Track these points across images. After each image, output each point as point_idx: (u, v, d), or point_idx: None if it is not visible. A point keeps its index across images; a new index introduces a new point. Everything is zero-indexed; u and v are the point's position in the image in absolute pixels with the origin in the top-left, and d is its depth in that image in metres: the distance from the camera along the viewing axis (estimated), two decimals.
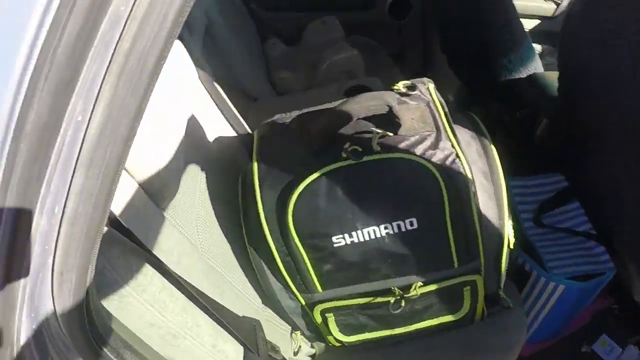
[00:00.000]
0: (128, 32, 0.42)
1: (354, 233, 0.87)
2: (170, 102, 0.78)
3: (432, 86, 0.98)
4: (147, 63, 0.44)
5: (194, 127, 0.99)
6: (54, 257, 0.49)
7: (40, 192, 0.45)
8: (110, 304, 0.65)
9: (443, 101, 0.95)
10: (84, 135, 0.45)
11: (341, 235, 0.87)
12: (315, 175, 0.84)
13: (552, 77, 1.51)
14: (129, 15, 0.42)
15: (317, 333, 1.07)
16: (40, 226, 0.47)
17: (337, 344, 1.06)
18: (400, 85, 0.98)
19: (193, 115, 1.00)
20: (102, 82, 0.43)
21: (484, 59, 1.64)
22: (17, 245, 0.46)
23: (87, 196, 0.48)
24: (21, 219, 0.45)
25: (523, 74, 1.66)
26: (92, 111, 0.44)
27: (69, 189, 0.47)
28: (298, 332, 1.06)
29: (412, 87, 0.97)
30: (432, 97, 0.95)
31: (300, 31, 2.05)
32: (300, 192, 0.84)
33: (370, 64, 1.91)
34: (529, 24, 2.31)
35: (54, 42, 0.39)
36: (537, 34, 2.28)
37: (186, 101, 0.89)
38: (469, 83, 1.80)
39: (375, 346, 1.07)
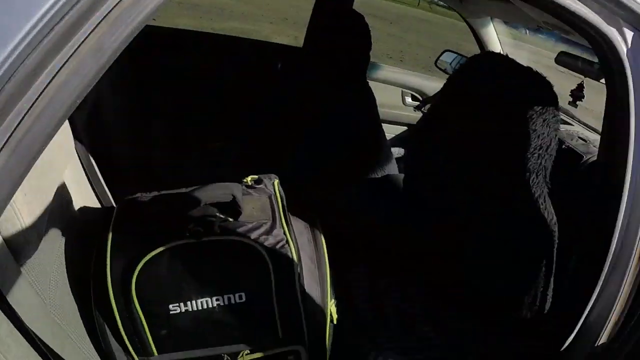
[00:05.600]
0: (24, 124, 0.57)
1: (188, 302, 1.00)
2: (44, 167, 0.88)
3: (277, 182, 1.17)
4: (35, 143, 0.59)
5: (62, 194, 1.09)
6: None
7: None
8: None
9: (284, 195, 1.13)
10: None
11: (177, 304, 1.00)
12: (160, 249, 0.98)
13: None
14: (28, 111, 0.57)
15: None
16: None
17: None
18: (249, 179, 1.16)
19: (64, 183, 1.10)
20: None
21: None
22: None
23: None
24: None
25: (379, 174, 1.90)
26: None
27: None
28: None
29: (258, 181, 1.15)
30: (275, 191, 1.14)
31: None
32: (145, 262, 0.97)
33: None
34: (397, 130, 2.64)
35: None
36: (404, 140, 2.60)
37: (59, 168, 1.00)
38: None
39: None
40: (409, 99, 2.63)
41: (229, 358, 1.08)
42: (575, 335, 1.10)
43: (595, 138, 1.91)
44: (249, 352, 1.08)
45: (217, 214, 1.02)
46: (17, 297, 0.83)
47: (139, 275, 0.97)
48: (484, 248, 1.24)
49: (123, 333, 1.02)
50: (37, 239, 0.90)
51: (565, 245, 1.22)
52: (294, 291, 1.05)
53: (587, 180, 1.58)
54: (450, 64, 2.52)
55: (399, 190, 1.68)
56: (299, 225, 1.15)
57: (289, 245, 1.04)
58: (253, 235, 1.02)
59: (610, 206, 1.01)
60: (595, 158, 1.81)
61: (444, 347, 1.27)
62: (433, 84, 2.57)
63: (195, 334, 1.04)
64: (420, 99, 2.61)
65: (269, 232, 1.04)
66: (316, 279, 1.11)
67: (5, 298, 0.80)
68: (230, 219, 1.03)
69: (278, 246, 1.03)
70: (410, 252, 1.43)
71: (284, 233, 1.05)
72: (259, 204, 1.09)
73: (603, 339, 1.07)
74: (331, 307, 1.13)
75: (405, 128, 2.64)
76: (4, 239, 0.81)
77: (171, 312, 1.00)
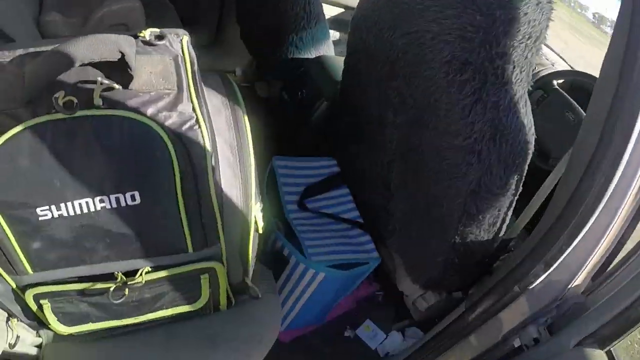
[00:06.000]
0: None
1: (62, 205, 0.72)
2: None
3: (186, 39, 0.83)
4: None
5: None
6: None
7: None
8: None
9: (195, 58, 0.81)
10: None
11: (47, 207, 0.71)
12: (17, 129, 0.67)
13: (340, 63, 1.49)
14: None
15: (39, 320, 0.89)
16: None
17: (65, 333, 0.90)
18: (147, 33, 0.82)
19: None
20: None
21: (275, 33, 1.57)
22: None
23: None
24: None
25: (313, 54, 1.62)
26: None
27: None
28: (14, 320, 0.87)
29: (160, 37, 0.82)
30: (182, 52, 0.80)
31: None
32: (9, 147, 0.67)
33: (155, 22, 1.72)
34: (332, 11, 2.33)
35: None
36: (339, 22, 2.30)
37: None
38: (257, 56, 1.71)
39: (108, 335, 0.93)
40: None
41: (123, 277, 0.81)
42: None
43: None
44: (149, 269, 0.82)
45: (99, 79, 0.70)
46: None
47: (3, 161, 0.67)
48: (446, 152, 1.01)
49: None
50: None
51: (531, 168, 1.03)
52: (206, 190, 0.77)
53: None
54: None
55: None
56: (215, 100, 0.85)
57: (199, 126, 0.75)
58: (150, 111, 0.71)
59: None
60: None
61: None
62: None
63: (76, 247, 0.77)
64: None
65: (172, 106, 0.73)
66: (237, 175, 0.84)
67: None
68: (118, 86, 0.71)
69: (185, 127, 0.73)
70: None
71: (193, 109, 0.75)
72: (160, 68, 0.76)
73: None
74: (255, 213, 0.88)
75: (342, 10, 2.34)
76: None
77: (40, 218, 0.72)
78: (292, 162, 1.33)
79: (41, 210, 0.71)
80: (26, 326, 0.91)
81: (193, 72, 0.79)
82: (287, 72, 1.59)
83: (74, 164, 0.70)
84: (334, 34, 2.21)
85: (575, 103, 1.47)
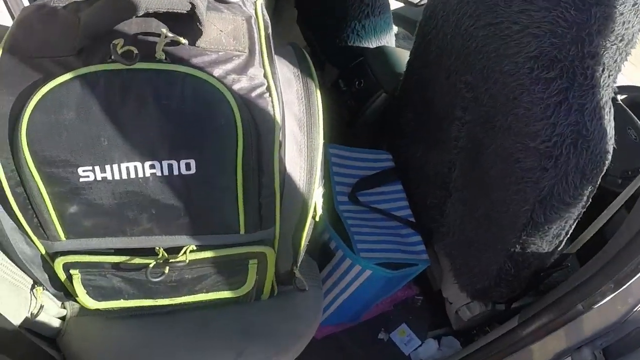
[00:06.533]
0: None
1: (107, 167, 0.65)
2: None
3: (260, 2, 0.78)
4: None
5: None
6: None
7: None
8: None
9: (269, 22, 0.75)
10: None
11: (90, 168, 0.65)
12: (65, 77, 0.61)
13: (402, 55, 1.43)
14: None
15: (65, 291, 0.85)
16: None
17: (92, 307, 0.85)
18: None
19: None
20: None
21: (336, 18, 1.52)
22: None
23: None
24: None
25: (373, 44, 1.56)
26: None
27: None
28: (40, 288, 0.83)
29: None
30: (256, 14, 0.74)
31: None
32: (41, 98, 0.61)
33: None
34: (392, 5, 2.26)
35: None
36: (398, 17, 2.24)
37: None
38: (313, 42, 1.66)
39: (137, 313, 0.88)
40: None
41: (165, 254, 0.76)
42: None
43: None
44: (194, 248, 0.76)
45: (164, 31, 0.64)
46: None
47: (31, 116, 0.61)
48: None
49: (14, 206, 0.69)
50: None
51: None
52: (270, 167, 0.71)
53: None
54: None
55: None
56: (286, 71, 0.79)
57: (270, 94, 0.68)
58: (217, 72, 0.65)
59: None
60: None
61: None
62: None
63: (117, 215, 0.70)
64: None
65: (242, 70, 0.67)
66: (302, 153, 0.77)
67: None
68: (184, 41, 0.65)
69: (254, 94, 0.67)
70: None
71: (265, 75, 0.69)
72: (231, 27, 0.69)
73: None
74: (316, 198, 0.81)
75: (401, 4, 2.27)
76: None
77: (81, 179, 0.66)
78: (346, 151, 1.27)
79: (83, 171, 0.65)
80: (51, 296, 0.86)
81: (267, 36, 0.73)
82: (345, 60, 1.53)
83: (125, 121, 0.64)
84: (394, 28, 2.16)
85: (638, 120, 1.39)
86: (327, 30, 1.56)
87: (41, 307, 0.82)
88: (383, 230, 1.19)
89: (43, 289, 0.83)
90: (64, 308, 0.89)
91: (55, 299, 0.87)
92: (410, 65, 1.26)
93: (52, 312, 0.87)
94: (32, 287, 0.82)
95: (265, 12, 0.74)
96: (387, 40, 1.58)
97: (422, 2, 2.17)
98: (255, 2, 0.74)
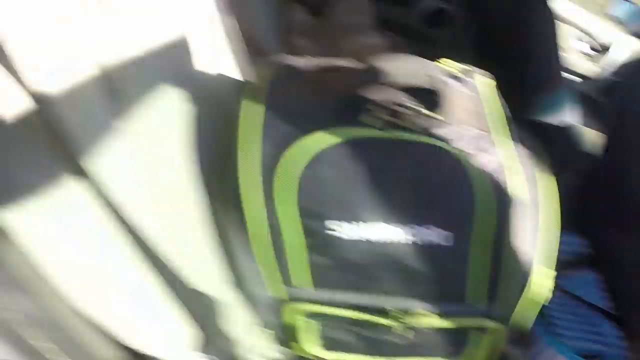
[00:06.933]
0: None
1: (363, 226, 0.68)
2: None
3: (492, 83, 0.80)
4: None
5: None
6: None
7: None
8: None
9: (505, 103, 0.77)
10: None
11: (347, 224, 0.68)
12: (332, 141, 0.65)
13: (588, 133, 1.37)
14: None
15: (286, 338, 0.86)
16: None
17: (307, 355, 0.86)
18: (454, 66, 0.79)
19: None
20: None
21: (518, 91, 1.49)
22: None
23: None
24: None
25: (555, 120, 1.51)
26: None
27: None
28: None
29: (467, 72, 0.79)
30: (490, 94, 0.77)
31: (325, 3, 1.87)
32: (316, 154, 0.65)
33: None
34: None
35: None
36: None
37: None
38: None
39: None
40: (576, 42, 2.15)
41: (399, 315, 0.76)
42: None
43: None
44: (425, 313, 0.76)
45: (413, 105, 0.67)
46: None
47: (304, 170, 0.66)
48: None
49: (270, 249, 0.71)
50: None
51: None
52: (501, 242, 0.70)
53: None
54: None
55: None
56: (521, 151, 0.80)
57: (515, 174, 0.69)
58: (469, 148, 0.67)
59: None
60: None
61: None
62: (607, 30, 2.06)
63: (361, 273, 0.72)
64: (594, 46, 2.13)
65: (488, 148, 0.69)
66: (532, 230, 0.75)
67: None
68: (439, 117, 0.68)
69: (501, 174, 0.68)
70: None
71: (509, 156, 0.70)
72: (470, 105, 0.73)
73: None
74: (539, 277, 0.78)
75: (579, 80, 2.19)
76: None
77: (337, 234, 0.69)
78: None
79: (340, 226, 0.68)
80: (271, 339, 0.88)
81: (508, 117, 0.74)
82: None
83: (387, 187, 0.67)
84: None
85: None
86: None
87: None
88: (577, 317, 1.11)
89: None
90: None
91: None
92: (611, 143, 1.20)
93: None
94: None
95: (498, 93, 0.77)
96: (568, 117, 1.53)
97: (596, 75, 2.07)
98: (486, 82, 0.77)
